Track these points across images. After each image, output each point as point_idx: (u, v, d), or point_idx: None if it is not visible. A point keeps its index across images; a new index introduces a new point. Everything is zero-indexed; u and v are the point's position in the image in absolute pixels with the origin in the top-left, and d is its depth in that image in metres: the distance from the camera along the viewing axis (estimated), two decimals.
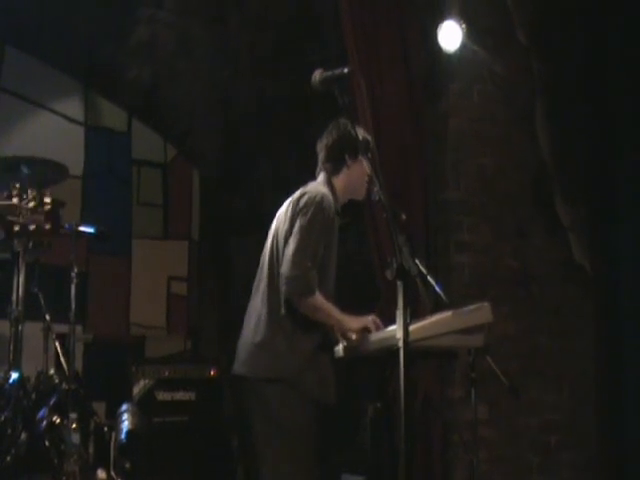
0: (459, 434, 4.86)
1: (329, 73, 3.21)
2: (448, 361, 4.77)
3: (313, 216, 3.59)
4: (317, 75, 3.22)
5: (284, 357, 3.57)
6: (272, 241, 3.74)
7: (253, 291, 3.76)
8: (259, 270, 3.77)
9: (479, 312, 3.48)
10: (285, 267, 3.53)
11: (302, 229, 3.57)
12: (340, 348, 3.69)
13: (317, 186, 3.75)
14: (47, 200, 3.49)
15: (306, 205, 3.63)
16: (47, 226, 3.46)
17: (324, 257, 3.61)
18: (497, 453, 5.07)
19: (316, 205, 3.61)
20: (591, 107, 5.64)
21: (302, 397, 3.54)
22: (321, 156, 3.84)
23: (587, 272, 5.56)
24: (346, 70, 3.23)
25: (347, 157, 3.76)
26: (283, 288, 3.54)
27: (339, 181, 3.79)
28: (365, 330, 3.61)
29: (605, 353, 5.51)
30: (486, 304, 3.49)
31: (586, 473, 5.38)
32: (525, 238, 5.41)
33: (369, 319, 3.64)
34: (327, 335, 3.68)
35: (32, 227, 3.43)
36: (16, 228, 3.43)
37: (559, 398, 5.39)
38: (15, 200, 3.43)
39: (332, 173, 3.80)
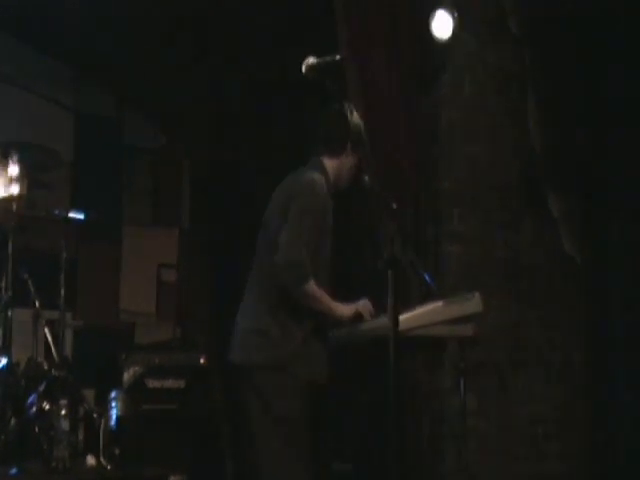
0: (448, 424, 4.87)
1: (321, 60, 3.21)
2: (438, 351, 4.78)
3: (307, 202, 3.56)
4: (309, 62, 3.21)
5: (278, 344, 3.55)
6: (265, 227, 3.72)
7: (249, 278, 3.73)
8: (254, 257, 3.74)
9: (469, 302, 3.50)
10: (280, 254, 3.48)
11: (296, 215, 3.53)
12: (332, 337, 3.70)
13: (310, 171, 3.69)
14: None
15: (300, 191, 3.60)
16: None
17: (318, 243, 3.58)
18: (486, 443, 5.09)
19: (310, 191, 3.58)
20: (583, 98, 5.64)
21: (295, 384, 3.54)
22: (316, 141, 3.78)
23: (577, 263, 5.57)
24: (338, 57, 3.22)
25: (345, 144, 3.68)
26: (278, 276, 3.51)
27: (332, 167, 3.73)
28: (358, 317, 3.61)
29: (594, 344, 5.53)
30: (476, 294, 3.51)
31: (574, 464, 5.41)
32: (515, 229, 5.42)
33: (360, 304, 3.64)
34: (319, 322, 3.67)
35: None
36: None
37: (548, 389, 5.41)
38: None
39: (327, 158, 3.73)
